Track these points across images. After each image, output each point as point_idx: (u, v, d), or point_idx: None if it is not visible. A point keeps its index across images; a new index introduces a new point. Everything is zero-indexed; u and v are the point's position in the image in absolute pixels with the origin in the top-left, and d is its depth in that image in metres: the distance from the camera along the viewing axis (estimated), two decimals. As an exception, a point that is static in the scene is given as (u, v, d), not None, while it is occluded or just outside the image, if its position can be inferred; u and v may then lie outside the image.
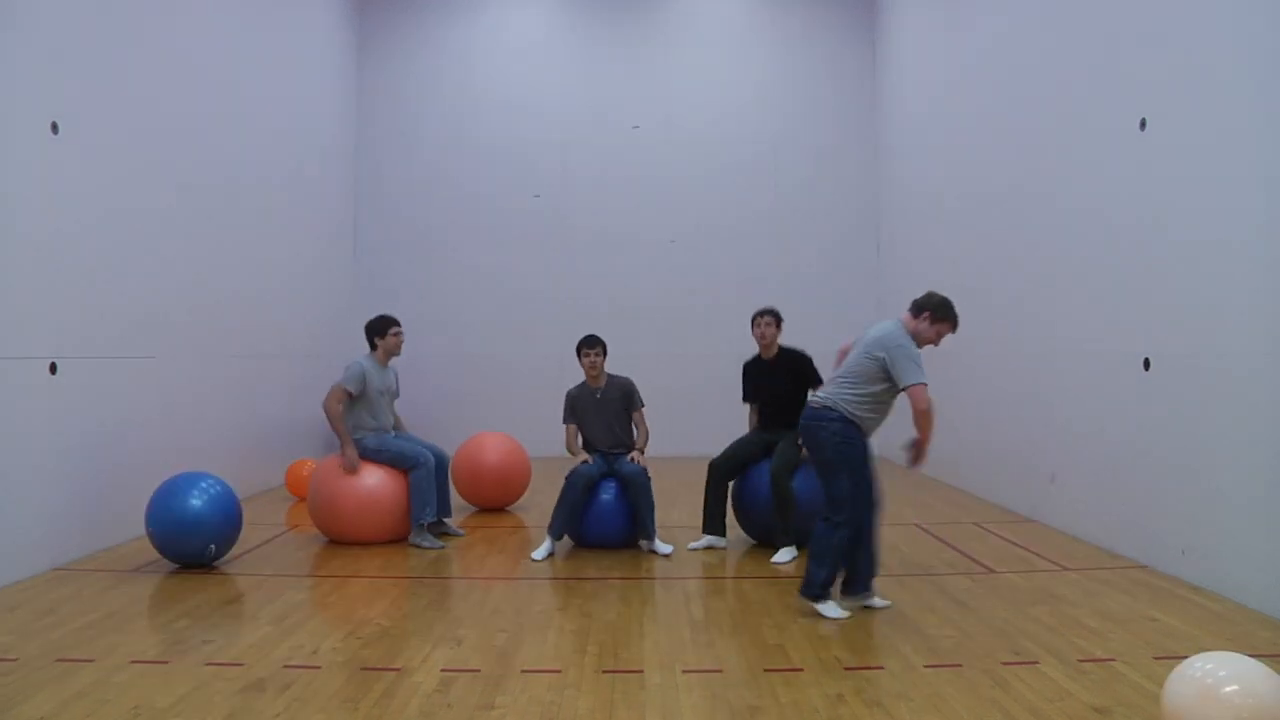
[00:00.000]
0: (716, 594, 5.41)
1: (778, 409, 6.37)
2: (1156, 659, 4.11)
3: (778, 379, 6.43)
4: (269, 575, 5.75)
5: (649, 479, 6.35)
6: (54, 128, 5.78)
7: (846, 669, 4.06)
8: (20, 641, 4.34)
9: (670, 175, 12.12)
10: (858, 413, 4.84)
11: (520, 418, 9.91)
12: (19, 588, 5.27)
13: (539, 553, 6.16)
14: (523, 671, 4.02)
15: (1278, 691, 2.92)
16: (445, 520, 6.89)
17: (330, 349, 10.39)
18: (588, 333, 6.65)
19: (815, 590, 4.82)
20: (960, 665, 4.08)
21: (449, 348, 11.82)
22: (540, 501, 8.11)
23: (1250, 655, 3.12)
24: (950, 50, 9.62)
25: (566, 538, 6.42)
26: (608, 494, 6.39)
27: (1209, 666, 3.03)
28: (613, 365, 6.69)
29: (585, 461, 6.36)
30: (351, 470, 6.43)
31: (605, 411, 6.51)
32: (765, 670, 4.05)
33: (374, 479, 6.47)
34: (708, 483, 6.46)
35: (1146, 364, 5.83)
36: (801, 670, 4.04)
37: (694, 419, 10.69)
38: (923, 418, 4.78)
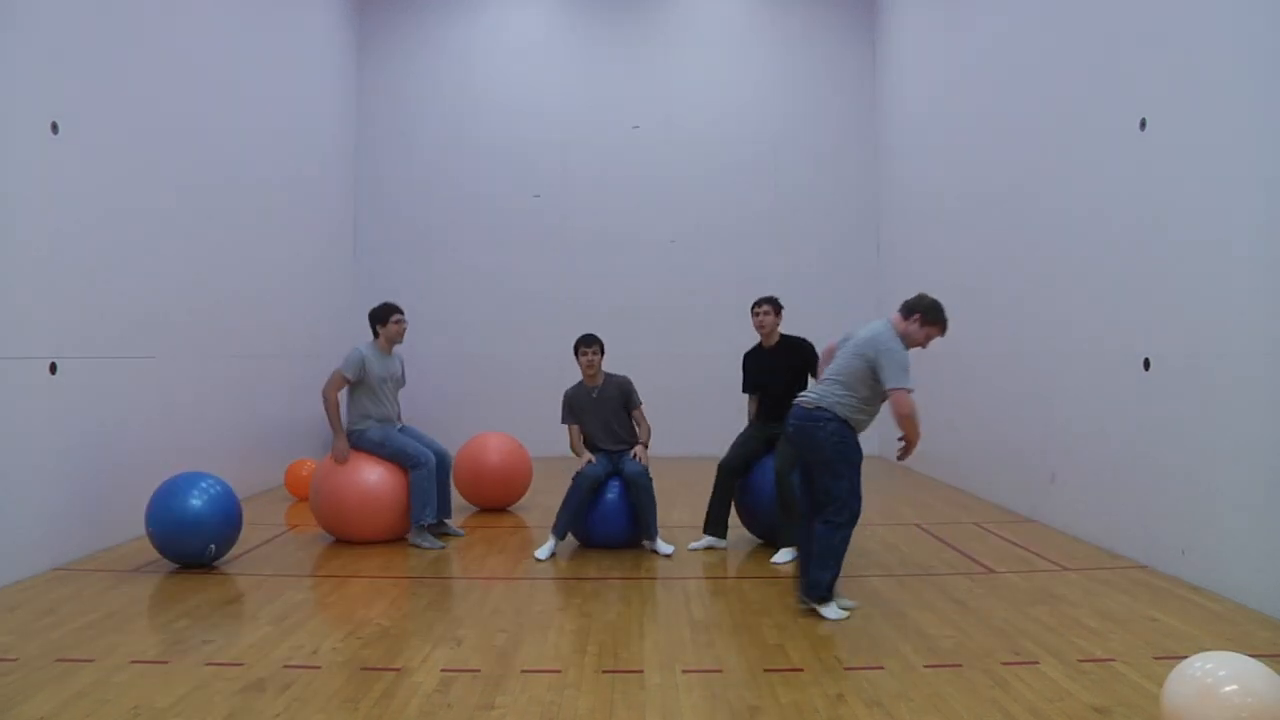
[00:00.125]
0: (716, 594, 5.41)
1: (779, 399, 6.26)
2: (1156, 659, 4.11)
3: (779, 367, 6.39)
4: (269, 575, 5.75)
5: (651, 479, 6.35)
6: (54, 128, 5.78)
7: (846, 669, 4.06)
8: (20, 641, 4.34)
9: (670, 175, 12.12)
10: (850, 413, 4.85)
11: (520, 418, 9.91)
12: (19, 588, 5.27)
13: (542, 551, 6.17)
14: (523, 671, 4.02)
15: (1277, 691, 2.92)
16: (445, 520, 6.90)
17: (330, 349, 10.38)
18: (586, 332, 6.64)
19: (820, 592, 4.82)
20: (960, 665, 4.08)
21: (449, 348, 11.82)
22: (541, 502, 8.11)
23: (1250, 655, 3.12)
24: (950, 50, 9.63)
25: (569, 537, 6.42)
26: (611, 494, 6.40)
27: (1209, 666, 3.03)
28: (613, 365, 6.69)
29: (590, 462, 6.36)
30: (340, 461, 6.44)
31: (603, 410, 6.51)
32: (765, 670, 4.05)
33: (375, 475, 6.47)
34: (716, 484, 6.45)
35: (1146, 364, 5.83)
36: (801, 670, 4.04)
37: (694, 419, 10.70)
38: (905, 422, 4.77)
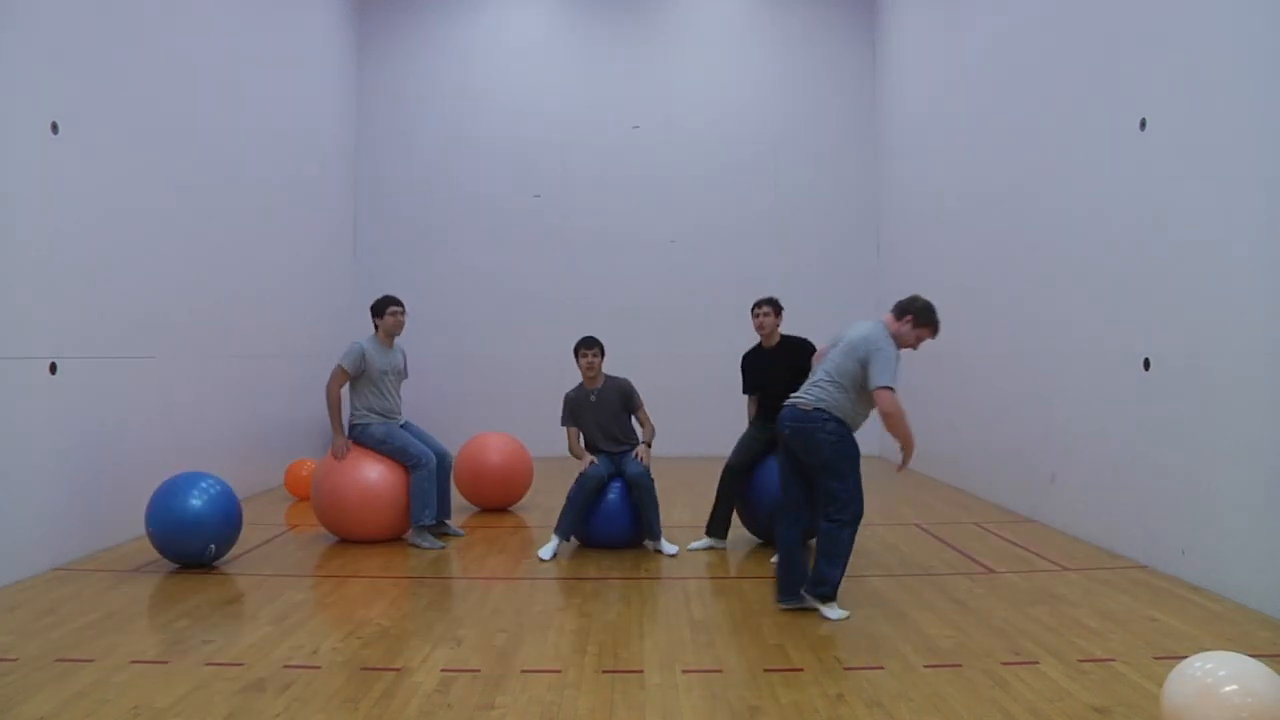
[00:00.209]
0: (716, 594, 5.41)
1: (779, 399, 6.24)
2: (1156, 659, 4.11)
3: (779, 368, 6.38)
4: (269, 575, 5.75)
5: (653, 480, 6.35)
6: (54, 128, 5.78)
7: (846, 669, 4.06)
8: (20, 641, 4.34)
9: (670, 175, 12.13)
10: (847, 413, 4.86)
11: (520, 418, 9.91)
12: (19, 588, 5.27)
13: (546, 551, 6.17)
14: (523, 671, 4.02)
15: (1277, 691, 2.92)
16: (445, 521, 6.90)
17: (330, 349, 10.34)
18: (586, 333, 6.64)
19: (828, 590, 4.82)
20: (960, 665, 4.08)
21: (449, 348, 11.82)
22: (542, 502, 8.12)
23: (1250, 655, 3.12)
24: (950, 50, 9.63)
25: (570, 537, 6.43)
26: (613, 495, 6.40)
27: (1208, 666, 3.03)
28: (613, 365, 6.69)
29: (593, 463, 6.36)
30: (340, 458, 6.45)
31: (602, 412, 6.51)
32: (765, 670, 4.05)
33: (376, 473, 6.47)
34: (720, 486, 6.45)
35: (1146, 364, 5.83)
36: (801, 670, 4.04)
37: (694, 419, 10.71)
38: (888, 420, 4.77)
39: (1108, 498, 6.31)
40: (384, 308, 6.76)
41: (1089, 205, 6.59)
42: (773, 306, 6.41)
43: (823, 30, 12.27)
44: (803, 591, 4.90)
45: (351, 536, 6.59)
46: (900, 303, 5.01)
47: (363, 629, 4.63)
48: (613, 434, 6.52)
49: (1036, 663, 4.09)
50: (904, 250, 11.14)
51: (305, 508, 7.95)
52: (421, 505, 6.48)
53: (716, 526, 6.46)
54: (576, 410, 6.56)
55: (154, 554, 5.87)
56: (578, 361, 6.53)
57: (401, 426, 6.72)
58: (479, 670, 4.03)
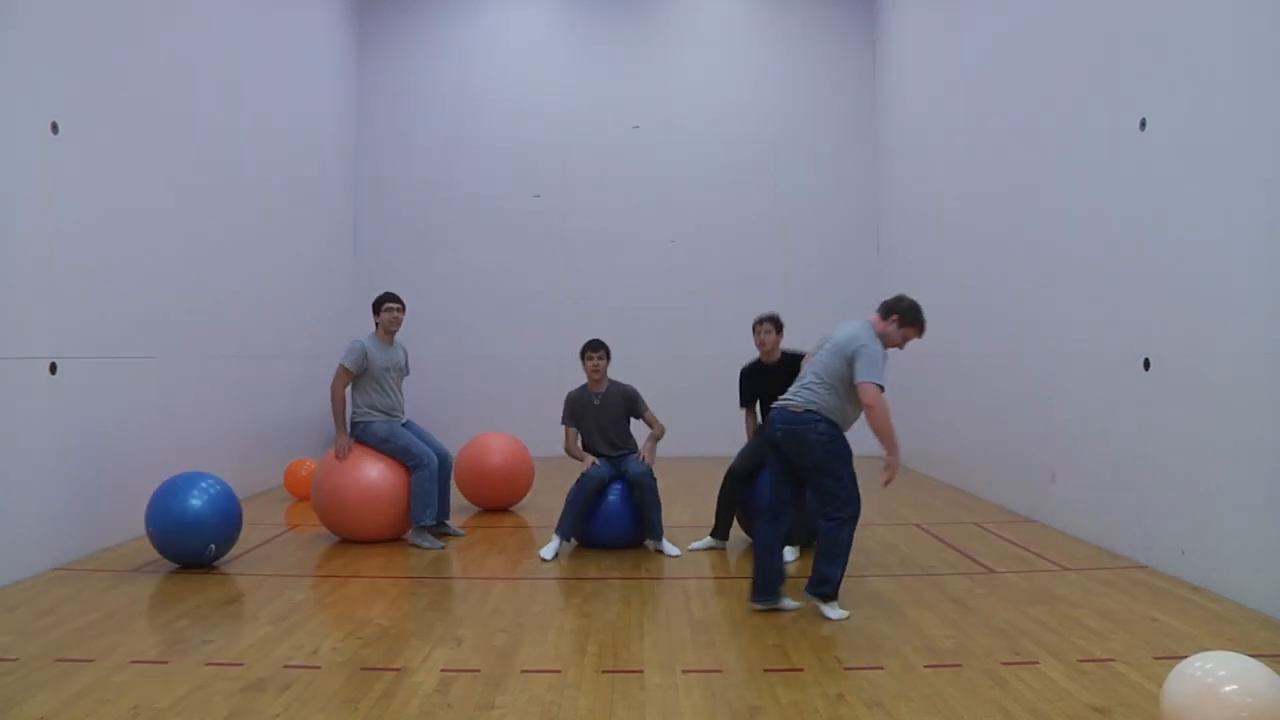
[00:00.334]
0: (716, 594, 5.40)
1: None
2: (1156, 659, 4.11)
3: (779, 382, 6.39)
4: (269, 575, 5.75)
5: (655, 480, 6.36)
6: (54, 128, 5.78)
7: (846, 669, 4.06)
8: (20, 641, 4.34)
9: (670, 175, 12.13)
10: (838, 414, 4.86)
11: (520, 418, 9.91)
12: (19, 588, 5.27)
13: (547, 551, 6.18)
14: (523, 671, 4.02)
15: (1277, 691, 2.92)
16: (446, 521, 6.90)
17: (330, 349, 10.35)
18: (589, 335, 6.65)
19: (830, 590, 4.82)
20: (960, 665, 4.08)
21: (449, 348, 11.82)
22: (543, 502, 8.12)
23: (1250, 655, 3.12)
24: (950, 50, 9.63)
25: (572, 538, 6.43)
26: (613, 495, 6.41)
27: (1208, 666, 3.03)
28: (612, 366, 6.68)
29: (594, 464, 6.36)
30: (341, 457, 6.46)
31: (604, 416, 6.51)
32: (765, 670, 4.05)
33: (376, 473, 6.47)
34: (721, 489, 6.45)
35: (1146, 364, 5.83)
36: (801, 670, 4.04)
37: (694, 419, 10.68)
38: (869, 412, 4.73)
39: (1108, 498, 6.31)
40: (381, 304, 6.79)
41: (1089, 205, 6.59)
42: (774, 324, 6.41)
43: (823, 30, 12.27)
44: (804, 592, 4.90)
45: (352, 536, 6.59)
46: (886, 302, 5.02)
47: (363, 629, 4.63)
48: (612, 439, 6.53)
49: (1036, 663, 4.09)
50: (904, 250, 11.14)
51: (305, 508, 7.95)
52: (423, 505, 6.48)
53: (718, 528, 6.48)
54: (578, 411, 6.56)
55: (154, 554, 5.87)
56: (584, 364, 6.53)
57: (403, 425, 6.73)
58: (479, 670, 4.03)
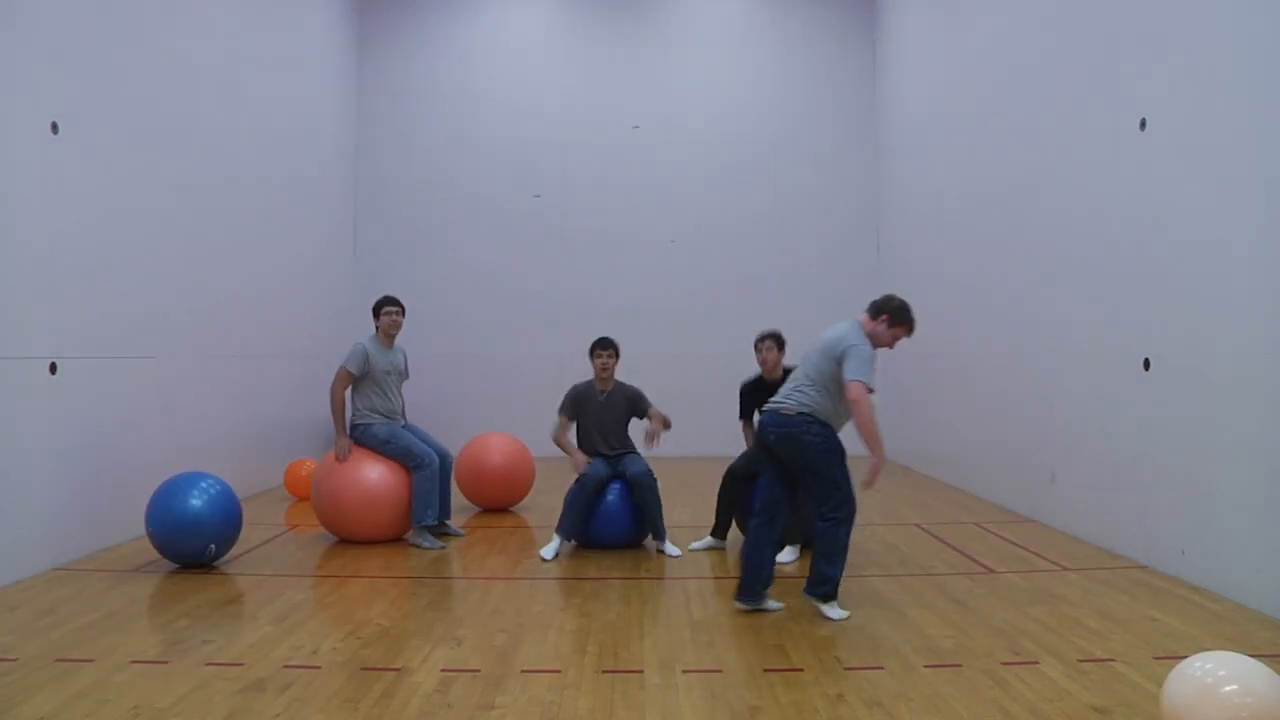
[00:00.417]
0: (716, 594, 5.40)
1: None
2: (1156, 659, 4.11)
3: None
4: (269, 575, 5.75)
5: (655, 480, 6.36)
6: (54, 128, 5.78)
7: (846, 669, 4.06)
8: (20, 641, 4.34)
9: (670, 175, 12.13)
10: (830, 415, 4.87)
11: (520, 418, 9.90)
12: (19, 588, 5.27)
13: (548, 551, 6.18)
14: (523, 671, 4.02)
15: (1277, 691, 2.92)
16: (446, 521, 6.90)
17: (330, 349, 10.38)
18: (589, 335, 6.66)
19: (829, 589, 4.82)
20: (960, 665, 4.08)
21: (449, 348, 11.82)
22: (543, 502, 8.12)
23: (1250, 655, 3.12)
24: (950, 50, 9.63)
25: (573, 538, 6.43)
26: (611, 495, 6.41)
27: (1208, 666, 3.03)
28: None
29: (588, 463, 6.36)
30: (341, 459, 6.45)
31: (607, 415, 6.51)
32: (765, 670, 4.05)
33: (376, 474, 6.47)
34: (720, 489, 6.46)
35: (1146, 364, 5.83)
36: (801, 670, 4.04)
37: (694, 419, 10.64)
38: (854, 408, 4.72)
39: (1108, 498, 6.31)
40: (380, 308, 6.79)
41: (1089, 205, 6.59)
42: (776, 341, 6.42)
43: (823, 30, 12.27)
44: (803, 593, 4.90)
45: (352, 538, 6.59)
46: (875, 303, 5.02)
47: (363, 629, 4.63)
48: (610, 439, 6.53)
49: (1036, 663, 4.10)
50: (904, 250, 11.14)
51: (305, 508, 7.95)
52: (424, 505, 6.48)
53: (717, 528, 6.48)
54: (580, 404, 6.57)
55: (154, 554, 5.87)
56: (592, 361, 6.54)
57: (403, 428, 6.73)
58: (479, 670, 4.03)
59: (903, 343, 5.08)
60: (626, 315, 11.52)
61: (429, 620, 4.83)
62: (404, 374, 6.92)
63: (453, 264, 12.05)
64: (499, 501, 8.04)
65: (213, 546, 5.74)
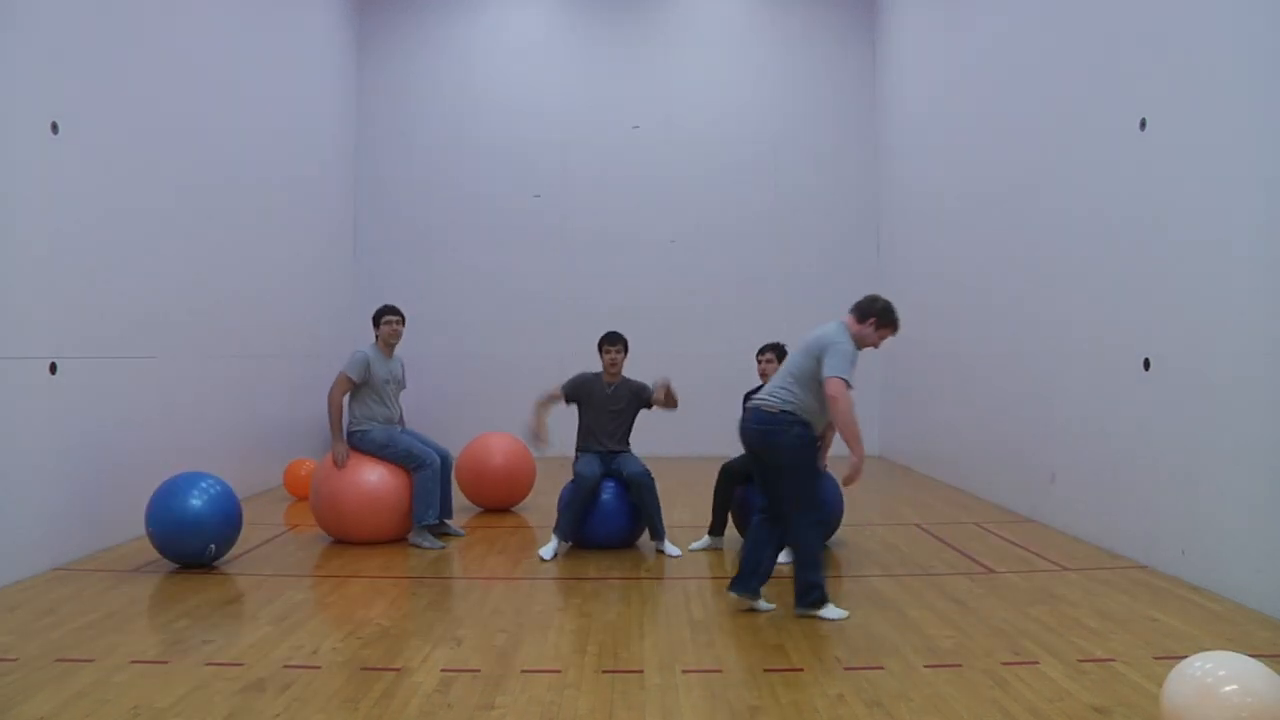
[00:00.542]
0: (716, 594, 5.40)
1: None
2: (1156, 659, 4.11)
3: None
4: (269, 575, 5.75)
5: (653, 479, 6.36)
6: (54, 128, 5.78)
7: (846, 669, 4.06)
8: (20, 641, 4.34)
9: (670, 175, 12.13)
10: (811, 413, 4.87)
11: (521, 418, 9.79)
12: (19, 588, 5.27)
13: (547, 551, 6.18)
14: (523, 671, 4.02)
15: (1277, 691, 2.92)
16: (446, 521, 6.90)
17: (330, 349, 10.39)
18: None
19: (818, 595, 4.81)
20: (960, 665, 4.08)
21: (449, 348, 11.82)
22: (544, 503, 8.11)
23: (1250, 655, 3.12)
24: (950, 50, 9.63)
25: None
26: (607, 494, 6.41)
27: (1208, 666, 3.03)
28: (613, 366, 6.69)
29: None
30: (339, 465, 6.45)
31: (611, 408, 6.53)
32: (765, 670, 4.05)
33: (376, 476, 6.46)
34: (716, 487, 6.46)
35: (1146, 364, 5.83)
36: (801, 670, 4.04)
37: (694, 419, 10.59)
38: (832, 404, 4.71)
39: (1108, 498, 6.31)
40: (380, 317, 6.79)
41: (1089, 205, 6.59)
42: (776, 353, 6.46)
43: (823, 30, 12.27)
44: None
45: (351, 539, 6.58)
46: (860, 304, 5.03)
47: (363, 629, 4.63)
48: (612, 432, 6.53)
49: (1036, 663, 4.10)
50: (904, 250, 11.14)
51: (305, 508, 7.95)
52: (425, 505, 6.48)
53: (715, 527, 6.48)
54: (585, 391, 6.58)
55: (154, 554, 5.87)
56: (601, 356, 6.56)
57: (400, 432, 6.72)
58: (479, 670, 4.03)
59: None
60: (626, 315, 11.46)
61: (429, 620, 4.83)
62: (402, 383, 6.92)
63: (453, 264, 12.04)
64: (499, 502, 8.04)
65: (213, 546, 5.73)
